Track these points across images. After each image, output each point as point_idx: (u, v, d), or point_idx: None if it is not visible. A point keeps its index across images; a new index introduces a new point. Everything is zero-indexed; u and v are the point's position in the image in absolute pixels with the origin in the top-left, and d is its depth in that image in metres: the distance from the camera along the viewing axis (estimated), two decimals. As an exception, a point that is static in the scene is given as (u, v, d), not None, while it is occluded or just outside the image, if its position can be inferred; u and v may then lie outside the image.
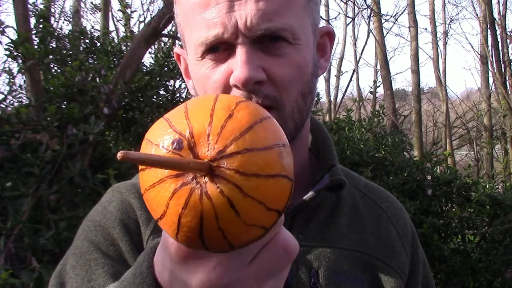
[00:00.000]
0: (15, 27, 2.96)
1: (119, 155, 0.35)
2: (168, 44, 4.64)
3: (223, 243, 0.41)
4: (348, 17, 12.80)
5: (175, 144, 0.39)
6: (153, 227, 0.77)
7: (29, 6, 3.31)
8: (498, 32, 10.21)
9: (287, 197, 0.42)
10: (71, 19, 7.72)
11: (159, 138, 0.40)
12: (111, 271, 0.71)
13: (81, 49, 3.77)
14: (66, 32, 4.17)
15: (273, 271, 0.47)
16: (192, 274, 0.45)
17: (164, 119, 0.42)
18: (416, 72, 10.39)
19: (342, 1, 10.31)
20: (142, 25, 9.15)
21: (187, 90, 3.94)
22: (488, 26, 10.25)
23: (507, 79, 9.96)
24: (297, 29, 0.71)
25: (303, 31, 0.73)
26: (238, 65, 0.68)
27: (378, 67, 12.13)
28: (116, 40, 4.43)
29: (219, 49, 0.71)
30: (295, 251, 0.47)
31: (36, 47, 3.04)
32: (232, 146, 0.39)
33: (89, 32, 3.92)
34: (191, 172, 0.39)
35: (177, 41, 4.39)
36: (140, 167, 0.42)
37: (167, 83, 4.01)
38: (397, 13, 15.40)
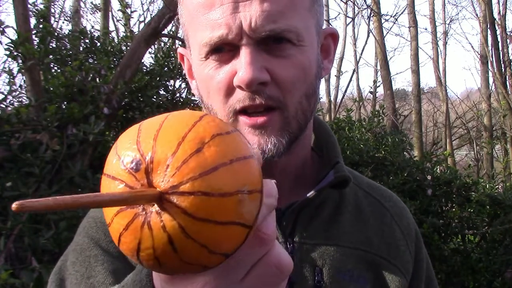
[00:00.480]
0: (15, 27, 2.96)
1: (14, 207, 0.33)
2: (168, 44, 4.64)
3: (159, 270, 0.41)
4: (348, 17, 12.81)
5: (133, 163, 0.38)
6: None
7: (29, 6, 3.31)
8: (498, 32, 10.21)
9: (239, 242, 0.40)
10: (71, 19, 7.73)
11: (123, 152, 0.39)
12: (110, 268, 0.72)
13: (81, 49, 3.77)
14: (66, 32, 4.18)
15: None
16: None
17: (137, 130, 0.40)
18: (416, 72, 10.39)
19: (342, 1, 10.33)
20: (142, 25, 9.16)
21: (187, 90, 3.95)
22: (488, 26, 10.25)
23: (507, 79, 9.96)
24: (301, 30, 0.71)
25: (308, 33, 0.73)
26: (242, 66, 0.68)
27: (378, 67, 12.14)
28: (116, 40, 4.43)
29: (223, 50, 0.71)
30: (288, 268, 0.45)
31: (36, 47, 3.04)
32: (187, 185, 0.37)
33: (89, 32, 3.92)
34: (140, 203, 0.38)
35: (177, 41, 4.39)
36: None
37: (167, 83, 4.01)
38: (397, 13, 15.41)
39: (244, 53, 0.69)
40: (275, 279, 0.45)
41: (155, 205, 0.38)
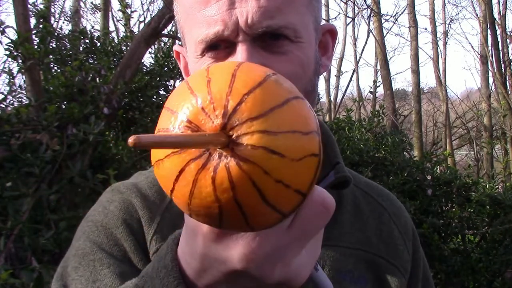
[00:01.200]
0: (15, 27, 2.97)
1: (130, 140, 0.32)
2: (168, 44, 4.64)
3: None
4: (348, 17, 12.82)
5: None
6: (156, 227, 0.75)
7: (29, 6, 3.31)
8: (498, 32, 10.21)
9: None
10: (71, 19, 7.73)
11: (178, 107, 0.38)
12: (117, 271, 0.69)
13: (81, 49, 3.77)
14: (66, 32, 4.18)
15: (312, 230, 0.46)
16: (231, 250, 0.44)
17: (186, 84, 0.40)
18: (416, 72, 10.38)
19: (342, 1, 10.33)
20: (142, 25, 9.15)
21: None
22: (488, 26, 10.25)
23: (507, 79, 9.96)
24: (299, 26, 0.70)
25: (305, 29, 0.72)
26: None
27: (378, 67, 12.14)
28: (116, 40, 4.43)
29: (219, 47, 0.70)
30: (332, 206, 0.46)
31: (36, 47, 3.04)
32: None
33: (89, 32, 3.92)
34: (211, 146, 0.37)
35: (177, 41, 4.39)
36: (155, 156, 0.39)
37: (167, 83, 4.01)
38: (397, 13, 15.42)
39: (241, 50, 0.67)
40: (321, 219, 0.45)
41: (228, 146, 0.37)
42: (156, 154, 0.39)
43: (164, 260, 0.50)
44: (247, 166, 0.36)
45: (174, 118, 0.38)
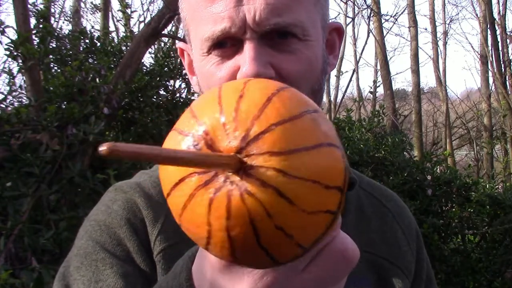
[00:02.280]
0: (15, 27, 2.97)
1: (103, 150, 0.29)
2: (168, 44, 4.64)
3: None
4: (348, 17, 12.81)
5: (191, 149, 0.35)
6: (161, 227, 0.74)
7: (29, 6, 3.31)
8: (498, 32, 10.20)
9: (342, 168, 0.36)
10: (71, 19, 7.73)
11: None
12: (120, 271, 0.68)
13: (81, 49, 3.77)
14: (66, 32, 4.17)
15: (329, 280, 0.42)
16: (236, 284, 0.42)
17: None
18: (416, 72, 10.39)
19: (342, 1, 10.33)
20: (142, 25, 9.15)
21: (187, 90, 3.95)
22: (488, 26, 10.25)
23: (507, 79, 9.96)
24: (307, 24, 0.69)
25: (313, 27, 0.70)
26: (246, 61, 0.66)
27: (378, 67, 12.14)
28: (116, 40, 4.43)
29: (226, 45, 0.68)
30: (355, 257, 0.42)
31: (36, 47, 3.04)
32: (255, 127, 0.34)
33: (89, 32, 3.92)
34: (219, 169, 0.34)
35: (177, 41, 4.38)
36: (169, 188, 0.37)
37: (167, 83, 4.01)
38: (397, 13, 15.41)
39: (248, 47, 0.66)
40: (340, 269, 0.42)
41: (239, 172, 0.34)
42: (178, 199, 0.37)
43: (179, 278, 0.49)
44: (250, 201, 0.33)
45: (192, 122, 0.36)
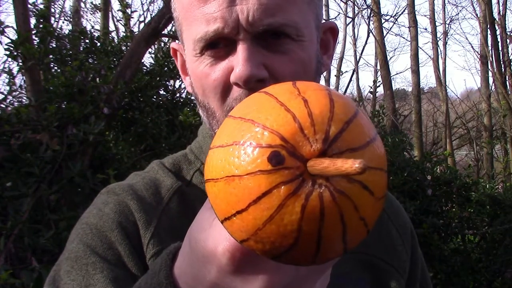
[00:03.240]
0: (15, 27, 2.97)
1: (358, 166, 0.31)
2: (168, 44, 4.64)
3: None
4: (348, 17, 12.82)
5: (272, 160, 0.34)
6: (153, 230, 0.73)
7: (29, 6, 3.31)
8: (498, 32, 10.20)
9: (376, 217, 0.39)
10: (71, 19, 7.73)
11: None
12: (110, 275, 0.67)
13: (81, 49, 3.77)
14: (66, 32, 4.17)
15: (328, 264, 0.45)
16: (250, 283, 0.43)
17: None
18: (416, 72, 10.39)
19: (342, 1, 10.33)
20: (142, 25, 9.15)
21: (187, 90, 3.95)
22: (488, 26, 10.24)
23: (507, 79, 9.96)
24: (300, 25, 0.68)
25: (307, 27, 0.70)
26: (239, 62, 0.65)
27: (378, 67, 12.14)
28: (116, 40, 4.43)
29: (219, 45, 0.68)
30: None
31: (36, 47, 3.04)
32: (332, 128, 0.35)
33: (89, 32, 3.92)
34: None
35: (177, 41, 4.38)
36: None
37: (167, 83, 4.01)
38: (397, 13, 15.43)
39: (241, 48, 0.66)
40: (329, 264, 0.45)
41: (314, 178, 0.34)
42: (228, 168, 0.36)
43: (158, 276, 0.49)
44: (341, 198, 0.34)
45: (263, 133, 0.35)
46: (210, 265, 0.44)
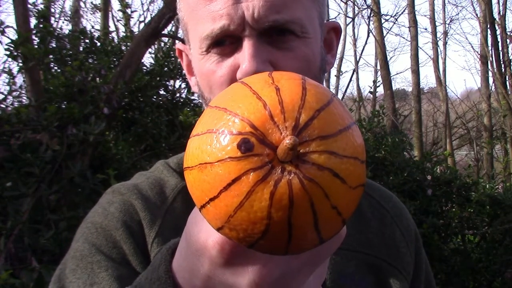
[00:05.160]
0: (15, 27, 2.97)
1: None
2: (168, 44, 4.64)
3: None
4: (348, 17, 12.81)
5: (241, 147, 0.34)
6: (158, 229, 0.73)
7: (29, 6, 3.31)
8: (498, 32, 10.20)
9: (364, 143, 0.39)
10: (71, 19, 7.73)
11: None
12: (115, 274, 0.68)
13: (81, 49, 3.77)
14: (66, 32, 4.17)
15: (323, 255, 0.45)
16: (240, 276, 0.43)
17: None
18: (416, 72, 10.39)
19: (342, 1, 10.33)
20: (142, 25, 9.15)
21: (187, 90, 3.95)
22: (488, 26, 10.24)
23: (507, 79, 9.95)
24: (305, 22, 0.69)
25: (311, 24, 0.71)
26: (245, 58, 0.66)
27: (378, 67, 12.14)
28: (116, 40, 4.43)
29: (224, 43, 0.69)
30: (344, 231, 0.45)
31: (36, 47, 3.04)
32: (302, 116, 0.35)
33: (89, 32, 3.92)
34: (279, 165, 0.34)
35: (177, 41, 4.38)
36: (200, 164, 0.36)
37: (167, 83, 4.01)
38: (397, 13, 15.43)
39: (247, 45, 0.66)
40: (332, 247, 0.45)
41: (293, 162, 0.35)
42: (201, 155, 0.36)
43: (157, 271, 0.49)
44: (310, 186, 0.34)
45: (234, 120, 0.35)
46: (203, 258, 0.44)
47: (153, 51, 4.37)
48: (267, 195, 0.34)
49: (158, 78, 3.76)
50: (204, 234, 0.44)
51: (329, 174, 0.35)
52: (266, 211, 0.35)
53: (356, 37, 16.07)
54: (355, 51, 14.03)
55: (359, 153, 0.37)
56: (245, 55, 0.66)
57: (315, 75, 0.72)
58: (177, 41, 4.35)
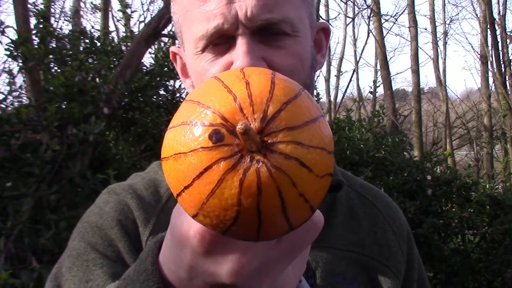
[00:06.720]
0: (15, 27, 2.97)
1: None
2: (168, 44, 4.64)
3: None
4: (348, 17, 12.81)
5: (213, 137, 0.37)
6: (152, 228, 0.75)
7: (29, 6, 3.31)
8: (498, 32, 10.20)
9: (332, 135, 0.41)
10: (71, 19, 7.73)
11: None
12: (110, 271, 0.69)
13: (81, 49, 3.77)
14: (66, 32, 4.17)
15: (301, 245, 0.46)
16: (220, 265, 0.44)
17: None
18: (416, 72, 10.38)
19: (342, 1, 10.32)
20: (142, 25, 9.14)
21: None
22: (488, 26, 10.24)
23: (507, 79, 9.96)
24: (296, 21, 0.72)
25: (302, 24, 0.73)
26: (239, 55, 0.68)
27: (378, 67, 12.14)
28: (116, 40, 4.43)
29: (219, 43, 0.71)
30: (321, 221, 0.46)
31: (36, 47, 3.04)
32: (270, 108, 0.37)
33: (89, 32, 3.92)
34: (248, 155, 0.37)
35: (176, 41, 4.38)
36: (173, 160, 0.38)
37: (167, 83, 4.01)
38: (397, 13, 15.44)
39: (241, 42, 0.68)
40: (311, 235, 0.46)
41: (262, 151, 0.37)
42: (176, 146, 0.38)
43: (144, 263, 0.50)
44: (278, 174, 0.36)
45: (206, 112, 0.38)
46: (185, 248, 0.45)
47: (153, 51, 4.37)
48: (236, 183, 0.36)
49: (158, 78, 3.76)
50: (186, 224, 0.45)
51: (296, 163, 0.37)
52: (236, 198, 0.37)
53: (356, 37, 16.08)
54: (355, 51, 14.04)
55: (326, 144, 0.39)
56: (239, 53, 0.68)
57: (308, 72, 0.74)
58: (176, 42, 4.34)
